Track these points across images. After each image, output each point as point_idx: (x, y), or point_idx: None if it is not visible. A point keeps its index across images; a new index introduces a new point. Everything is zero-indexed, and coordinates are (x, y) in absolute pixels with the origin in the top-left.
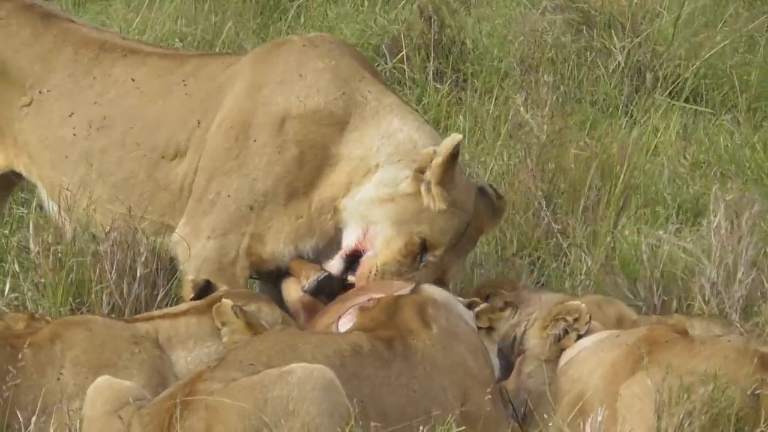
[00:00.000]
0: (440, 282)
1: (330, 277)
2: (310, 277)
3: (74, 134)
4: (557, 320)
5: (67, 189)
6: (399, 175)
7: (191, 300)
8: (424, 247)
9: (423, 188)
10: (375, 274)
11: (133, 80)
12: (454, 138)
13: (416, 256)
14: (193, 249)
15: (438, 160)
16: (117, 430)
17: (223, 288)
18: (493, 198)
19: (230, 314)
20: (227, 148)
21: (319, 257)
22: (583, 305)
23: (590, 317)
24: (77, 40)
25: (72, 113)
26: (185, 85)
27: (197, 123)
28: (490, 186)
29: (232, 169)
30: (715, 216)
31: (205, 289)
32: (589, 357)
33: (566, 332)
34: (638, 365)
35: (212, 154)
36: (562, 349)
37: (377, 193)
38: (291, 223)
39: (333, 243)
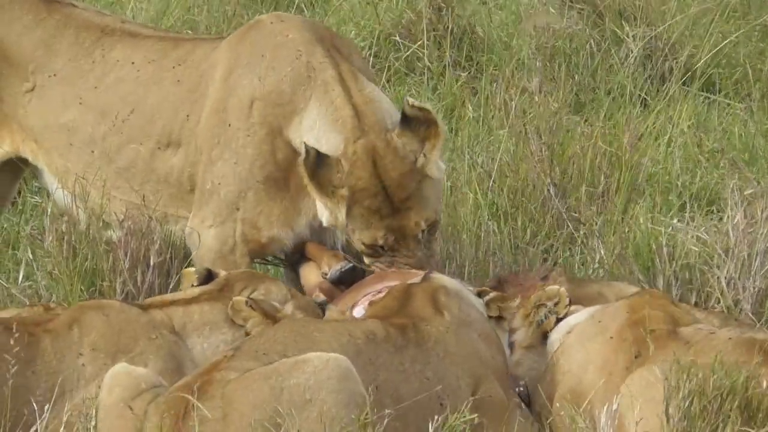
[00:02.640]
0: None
1: (354, 268)
2: (333, 266)
3: (76, 120)
4: (538, 307)
5: (79, 177)
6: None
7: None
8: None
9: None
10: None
11: (132, 64)
12: (303, 151)
13: (377, 248)
14: (201, 239)
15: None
16: (133, 417)
17: (224, 273)
18: (417, 115)
19: (247, 309)
20: (210, 137)
21: (320, 236)
22: (563, 289)
23: (570, 300)
24: (79, 24)
25: (73, 99)
26: (175, 71)
27: (186, 116)
28: (408, 103)
29: (217, 156)
30: (732, 210)
31: (206, 279)
32: (577, 347)
33: (547, 317)
34: (632, 364)
35: (202, 144)
36: (543, 333)
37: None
38: (277, 206)
39: None
